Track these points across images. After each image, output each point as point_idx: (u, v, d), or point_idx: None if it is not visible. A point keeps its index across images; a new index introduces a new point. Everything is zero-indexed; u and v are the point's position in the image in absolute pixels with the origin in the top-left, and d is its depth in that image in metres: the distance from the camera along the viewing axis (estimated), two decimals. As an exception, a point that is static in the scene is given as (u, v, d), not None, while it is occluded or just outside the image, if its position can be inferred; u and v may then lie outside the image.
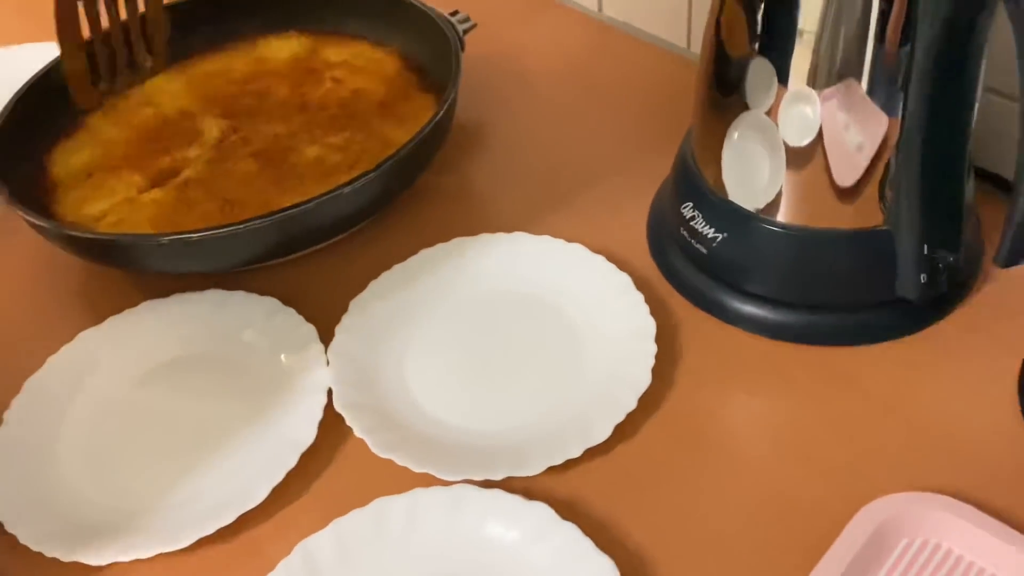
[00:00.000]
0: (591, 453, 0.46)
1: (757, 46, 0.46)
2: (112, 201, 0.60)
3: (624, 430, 0.47)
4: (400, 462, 0.45)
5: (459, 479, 0.44)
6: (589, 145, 0.67)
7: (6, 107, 0.63)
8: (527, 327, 0.53)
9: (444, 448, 0.46)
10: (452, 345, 0.53)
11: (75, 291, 0.59)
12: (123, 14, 0.57)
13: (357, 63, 0.70)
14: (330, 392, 0.49)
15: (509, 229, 0.58)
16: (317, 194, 0.54)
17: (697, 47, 0.74)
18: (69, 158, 0.64)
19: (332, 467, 0.48)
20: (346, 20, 0.73)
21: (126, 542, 0.44)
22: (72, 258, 0.58)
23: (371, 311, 0.53)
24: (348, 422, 0.47)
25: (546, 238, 0.56)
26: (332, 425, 0.48)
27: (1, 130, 0.61)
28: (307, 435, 0.47)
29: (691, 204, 0.52)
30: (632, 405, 0.46)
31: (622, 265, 0.54)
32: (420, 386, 0.50)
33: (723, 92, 0.49)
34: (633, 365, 0.48)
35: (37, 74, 0.65)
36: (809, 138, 0.47)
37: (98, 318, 0.55)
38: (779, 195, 0.49)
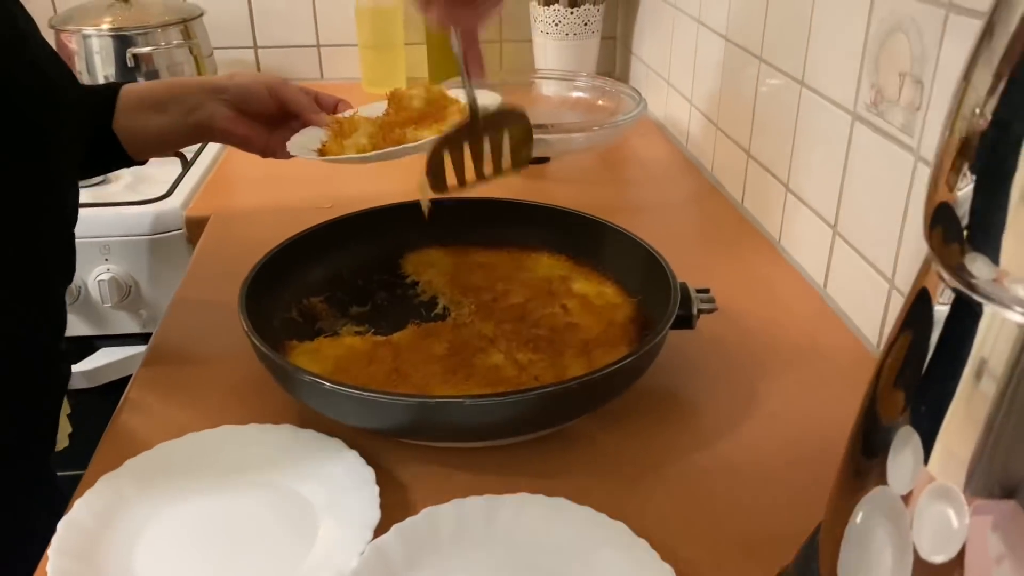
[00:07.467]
0: None
1: (910, 410, 0.34)
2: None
3: None
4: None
5: None
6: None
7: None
8: None
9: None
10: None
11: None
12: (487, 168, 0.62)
13: (595, 301, 0.69)
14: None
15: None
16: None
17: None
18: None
19: None
20: (612, 262, 0.72)
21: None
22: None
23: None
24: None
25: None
26: None
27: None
28: None
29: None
30: None
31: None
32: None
33: (866, 453, 0.37)
34: None
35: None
36: (945, 555, 0.33)
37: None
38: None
